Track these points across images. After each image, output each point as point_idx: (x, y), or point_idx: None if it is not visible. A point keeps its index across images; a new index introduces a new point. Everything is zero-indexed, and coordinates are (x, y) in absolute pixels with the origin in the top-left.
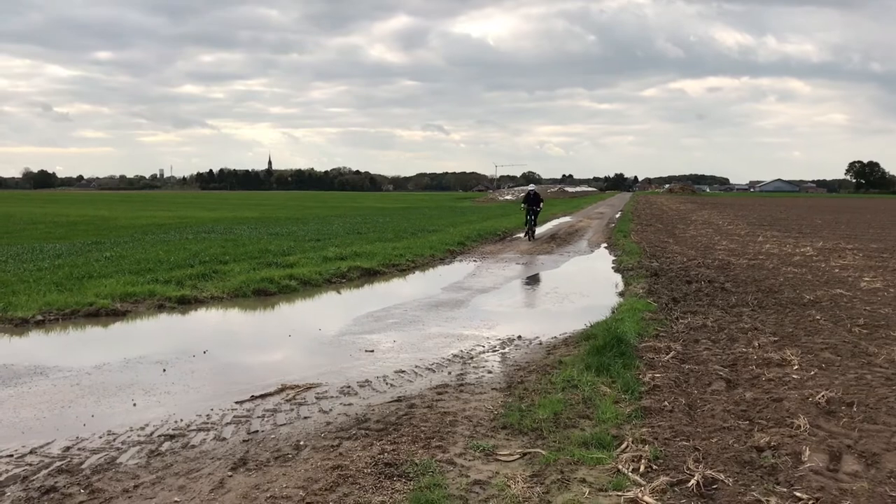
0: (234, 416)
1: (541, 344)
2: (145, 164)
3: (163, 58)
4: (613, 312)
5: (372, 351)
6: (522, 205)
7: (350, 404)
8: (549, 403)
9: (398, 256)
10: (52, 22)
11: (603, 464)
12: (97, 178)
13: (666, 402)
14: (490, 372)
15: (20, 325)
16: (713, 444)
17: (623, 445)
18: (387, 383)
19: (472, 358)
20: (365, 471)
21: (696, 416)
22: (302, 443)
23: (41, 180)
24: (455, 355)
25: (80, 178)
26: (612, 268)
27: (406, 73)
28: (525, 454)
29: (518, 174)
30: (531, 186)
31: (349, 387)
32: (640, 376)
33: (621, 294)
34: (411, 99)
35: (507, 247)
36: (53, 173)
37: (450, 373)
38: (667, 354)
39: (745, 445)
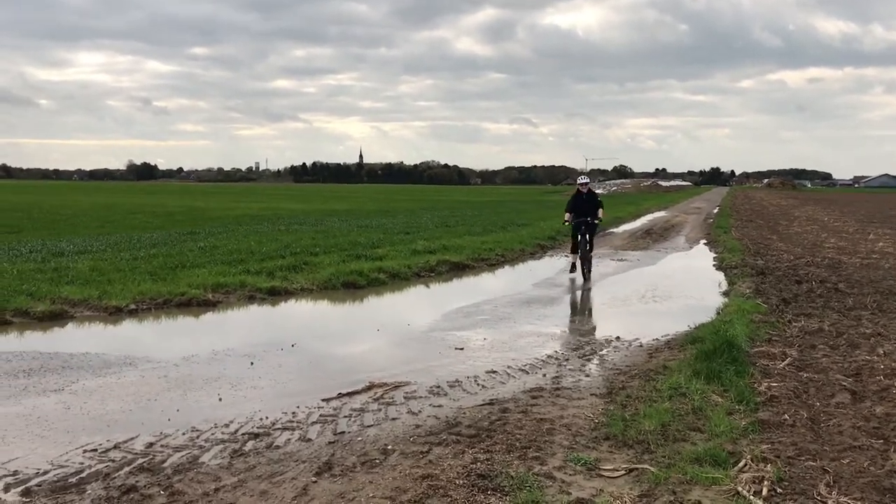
0: (320, 415)
1: (641, 346)
2: (241, 156)
3: (255, 53)
4: (719, 314)
5: (462, 349)
6: (567, 215)
7: (440, 406)
8: (655, 413)
9: (487, 251)
10: (153, 19)
11: (720, 484)
12: (196, 171)
13: (785, 415)
14: (587, 375)
15: (114, 314)
16: (845, 466)
17: (741, 464)
18: (478, 384)
19: (567, 359)
20: (457, 482)
21: (820, 431)
22: (390, 447)
23: (144, 172)
24: (549, 356)
25: (180, 170)
26: (714, 265)
27: (493, 65)
28: (631, 470)
29: (609, 167)
30: (582, 178)
31: (438, 387)
32: (755, 385)
33: (725, 294)
34: (498, 92)
35: (598, 242)
36: (155, 165)
37: (544, 375)
38: (782, 361)
39: (882, 469)
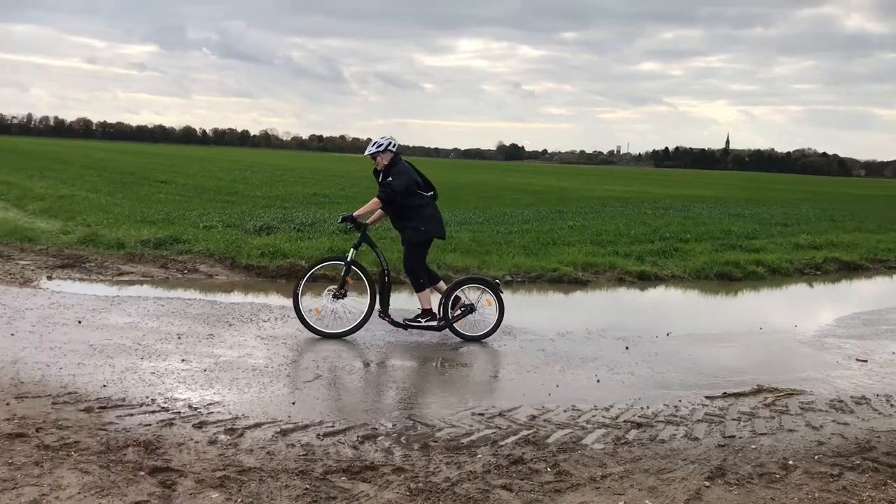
0: (705, 414)
1: None
2: (603, 140)
3: (623, 36)
4: None
5: (865, 361)
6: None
7: (845, 424)
8: None
9: (886, 251)
10: (527, 6)
11: None
12: (559, 153)
13: None
14: None
15: None
16: None
17: None
18: (891, 405)
19: None
20: None
21: None
22: (791, 462)
23: (511, 153)
24: None
25: (545, 151)
26: None
27: (888, 44)
28: None
29: None
30: (385, 140)
31: (841, 401)
32: None
33: None
34: (892, 73)
35: None
36: (522, 147)
37: None
38: None
39: None
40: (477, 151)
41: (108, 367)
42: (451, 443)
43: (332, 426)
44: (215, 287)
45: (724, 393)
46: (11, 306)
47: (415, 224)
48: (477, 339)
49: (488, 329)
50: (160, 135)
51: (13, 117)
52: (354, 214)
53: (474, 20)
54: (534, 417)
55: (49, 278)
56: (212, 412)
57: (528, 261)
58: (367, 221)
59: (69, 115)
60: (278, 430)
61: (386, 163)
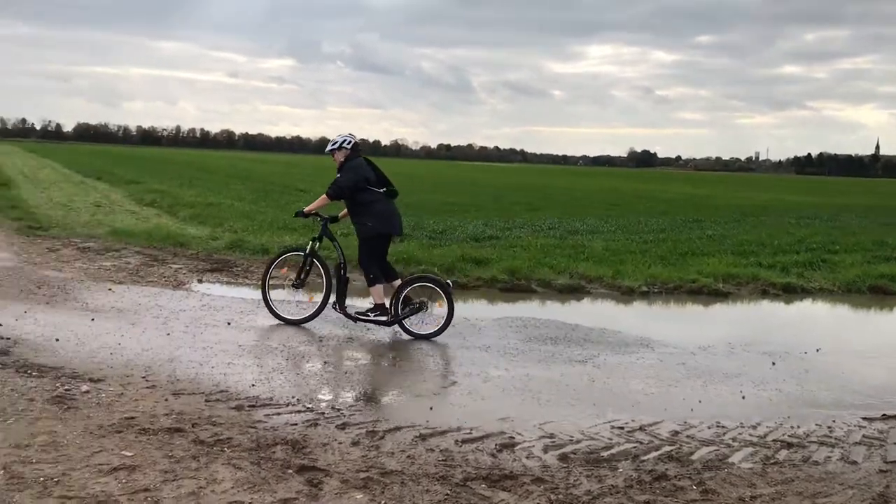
0: (862, 436)
1: None
2: (740, 146)
3: (762, 38)
4: None
5: None
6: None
7: None
8: None
9: None
10: (659, 10)
11: None
12: (693, 159)
13: None
14: None
15: (626, 294)
16: None
17: None
18: None
19: None
20: None
21: None
22: None
23: (643, 159)
24: None
25: (678, 158)
26: None
27: None
28: None
29: None
30: (340, 138)
31: None
32: None
33: None
34: None
35: None
36: (654, 153)
37: None
38: None
39: None
40: (606, 158)
41: (255, 367)
42: (590, 455)
43: (470, 433)
44: (352, 292)
45: (884, 415)
46: (167, 308)
47: (364, 220)
48: (425, 338)
49: (437, 328)
50: (297, 145)
51: (163, 129)
52: (305, 210)
53: (605, 26)
54: (676, 433)
55: (199, 281)
56: (353, 414)
57: (665, 271)
58: (339, 216)
59: (213, 127)
60: (417, 434)
61: (342, 160)
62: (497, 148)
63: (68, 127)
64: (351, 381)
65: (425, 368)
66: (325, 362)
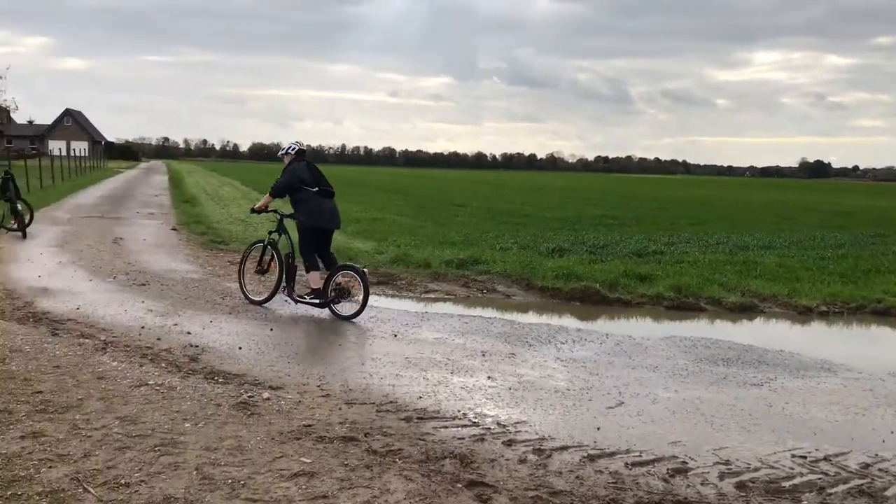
0: None
1: None
2: None
3: None
4: None
5: None
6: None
7: None
8: None
9: None
10: (832, 12)
11: None
12: (873, 169)
13: None
14: None
15: (803, 313)
16: None
17: None
18: None
19: None
20: None
21: None
22: None
23: (816, 169)
24: None
25: (855, 168)
26: None
27: None
28: None
29: None
30: (287, 145)
31: None
32: None
33: None
34: None
35: None
36: (829, 163)
37: None
38: None
39: None
40: (776, 169)
41: (422, 379)
42: (770, 485)
43: (640, 456)
44: (513, 307)
45: None
46: (338, 319)
47: (299, 215)
48: (347, 319)
49: (355, 310)
50: (454, 160)
51: (329, 147)
52: (254, 207)
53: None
54: (867, 465)
55: None
56: (519, 431)
57: (846, 289)
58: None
59: (376, 145)
60: (585, 454)
61: (287, 163)
62: (657, 159)
63: (244, 147)
64: (515, 397)
65: (590, 387)
66: (489, 377)
